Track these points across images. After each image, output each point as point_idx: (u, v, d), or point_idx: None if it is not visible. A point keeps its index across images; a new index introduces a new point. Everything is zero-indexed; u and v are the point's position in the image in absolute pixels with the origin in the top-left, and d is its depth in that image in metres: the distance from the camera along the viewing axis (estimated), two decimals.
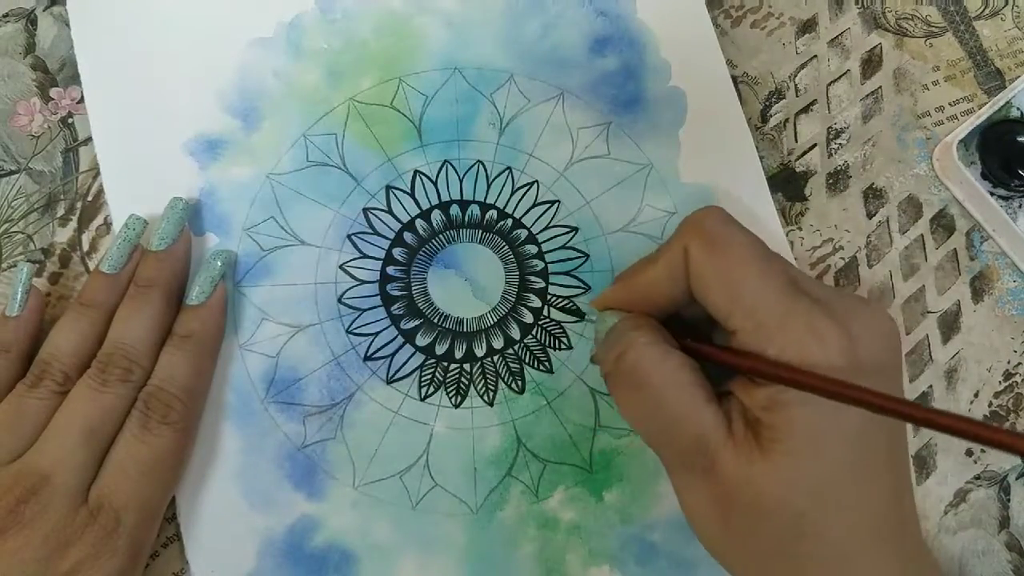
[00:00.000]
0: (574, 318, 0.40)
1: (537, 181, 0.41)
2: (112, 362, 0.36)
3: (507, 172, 0.41)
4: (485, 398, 0.39)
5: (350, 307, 0.40)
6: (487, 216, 0.41)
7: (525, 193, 0.41)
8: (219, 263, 0.39)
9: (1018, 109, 0.41)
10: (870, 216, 0.42)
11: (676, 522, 0.38)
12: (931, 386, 0.40)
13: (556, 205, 0.41)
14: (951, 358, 0.40)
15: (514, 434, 0.39)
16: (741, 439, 0.29)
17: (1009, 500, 0.39)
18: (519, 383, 0.39)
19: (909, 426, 0.38)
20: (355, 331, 0.40)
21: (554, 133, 0.41)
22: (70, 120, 0.44)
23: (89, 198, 0.43)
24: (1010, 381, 0.40)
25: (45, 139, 0.44)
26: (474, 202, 0.41)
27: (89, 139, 0.43)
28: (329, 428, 0.39)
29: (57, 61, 0.45)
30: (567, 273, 0.40)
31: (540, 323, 0.40)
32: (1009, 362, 0.40)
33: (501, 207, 0.41)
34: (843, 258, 0.41)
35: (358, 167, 0.41)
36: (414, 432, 0.39)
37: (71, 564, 0.33)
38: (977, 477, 0.39)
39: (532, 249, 0.40)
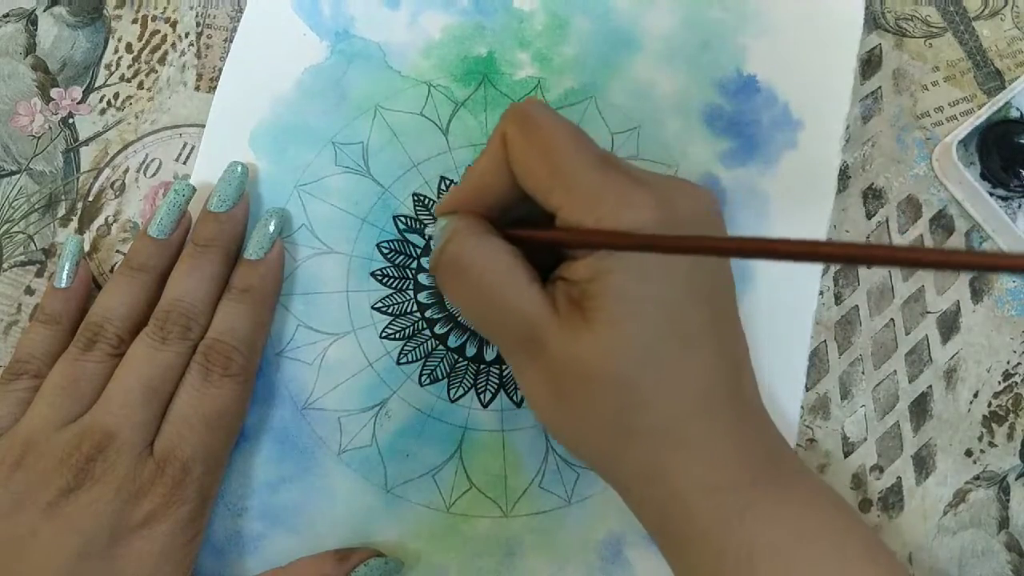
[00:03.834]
0: None
1: None
2: (171, 319, 0.37)
3: None
4: (514, 399, 0.39)
5: (382, 313, 0.40)
6: None
7: None
8: (274, 220, 0.40)
9: (1018, 109, 0.41)
10: (869, 216, 0.42)
11: None
12: (930, 386, 0.40)
13: None
14: (950, 358, 0.40)
15: (543, 437, 0.39)
16: (566, 315, 0.30)
17: (1008, 500, 0.39)
18: None
19: (907, 424, 0.39)
20: (388, 336, 0.40)
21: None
22: (71, 120, 0.44)
23: (90, 198, 0.43)
24: (1009, 381, 0.40)
25: (46, 139, 0.44)
26: None
27: (90, 139, 0.43)
28: (365, 434, 0.39)
29: (57, 61, 0.45)
30: None
31: None
32: (1008, 362, 0.40)
33: None
34: None
35: (384, 174, 0.41)
36: (447, 434, 0.39)
37: (144, 513, 0.34)
38: (976, 477, 0.39)
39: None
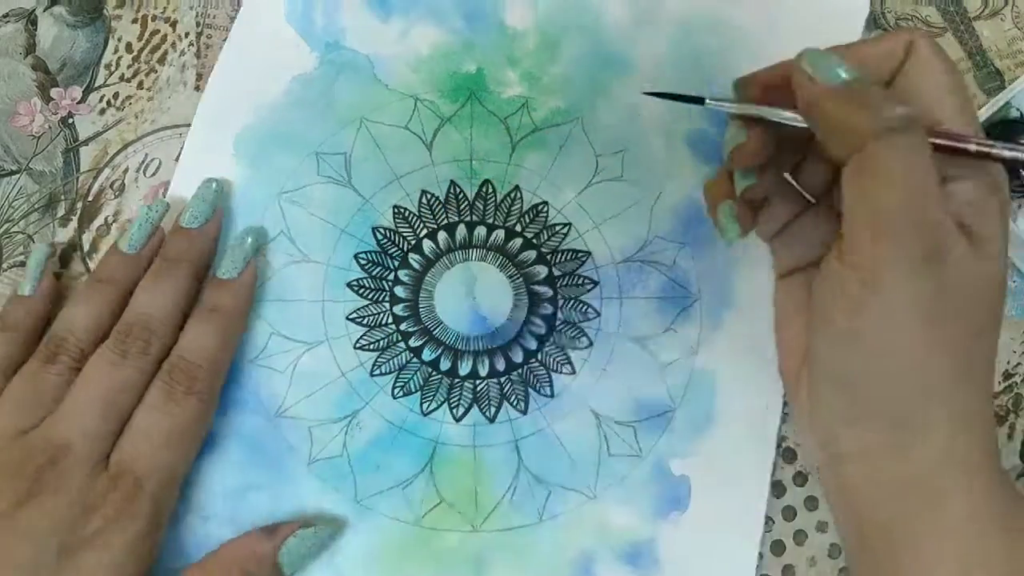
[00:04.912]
0: (582, 345, 0.40)
1: (547, 202, 0.41)
2: (133, 333, 0.36)
3: (516, 192, 0.42)
4: (487, 414, 0.39)
5: (357, 324, 0.40)
6: (493, 236, 0.41)
7: (535, 215, 0.41)
8: (250, 239, 0.39)
9: (1017, 109, 0.41)
10: None
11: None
12: None
13: (567, 227, 0.41)
14: None
15: (516, 454, 0.39)
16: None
17: None
18: (523, 404, 0.39)
19: None
20: (362, 347, 0.40)
21: (570, 155, 0.42)
22: (70, 120, 0.44)
23: (90, 198, 0.43)
24: (1009, 381, 0.40)
25: (45, 139, 0.43)
26: (482, 223, 0.41)
27: (90, 139, 0.43)
28: (336, 444, 0.39)
29: (57, 61, 0.45)
30: (576, 299, 0.40)
31: (545, 349, 0.40)
32: (1008, 362, 0.40)
33: (510, 227, 0.41)
34: None
35: (366, 185, 0.41)
36: (418, 447, 0.39)
37: (95, 527, 0.33)
38: None
39: (542, 271, 0.41)
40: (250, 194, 0.41)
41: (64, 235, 0.42)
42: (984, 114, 0.41)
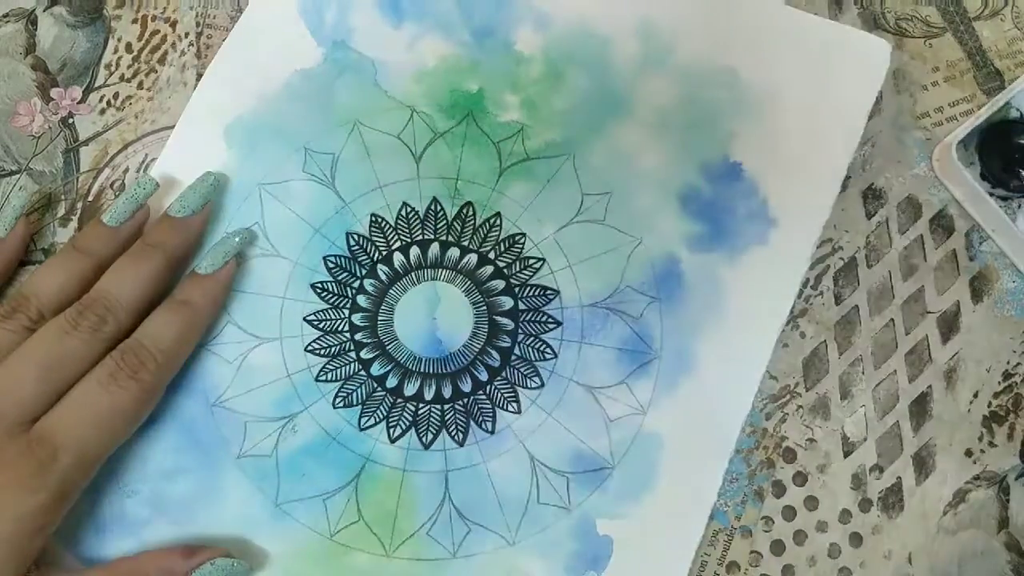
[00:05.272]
0: (533, 385, 0.39)
1: (526, 234, 0.41)
2: (90, 308, 0.36)
3: (496, 219, 0.41)
4: (423, 440, 0.38)
5: (313, 327, 0.40)
6: (465, 260, 0.40)
7: (510, 244, 0.40)
8: (237, 240, 0.39)
9: (1017, 110, 0.41)
10: (869, 216, 0.42)
11: None
12: (930, 386, 0.40)
13: (541, 263, 0.40)
14: (950, 358, 0.40)
15: (444, 485, 0.38)
16: None
17: (1008, 500, 0.39)
18: (461, 436, 0.39)
19: (907, 424, 0.39)
20: (313, 351, 0.39)
21: (556, 190, 0.41)
22: (70, 120, 0.44)
23: (90, 198, 0.43)
24: (1009, 381, 0.40)
25: (45, 139, 0.44)
26: (457, 244, 0.41)
27: (90, 139, 0.44)
28: (267, 444, 0.38)
29: (57, 61, 0.45)
30: (536, 336, 0.40)
31: (495, 383, 0.39)
32: (1008, 362, 0.40)
33: (483, 253, 0.40)
34: (842, 258, 0.41)
35: (348, 189, 0.41)
36: (348, 461, 0.38)
37: None
38: (976, 477, 0.39)
39: (507, 302, 0.40)
40: (233, 181, 0.41)
41: (64, 235, 0.42)
42: (984, 114, 0.40)
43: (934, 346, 0.40)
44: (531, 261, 0.40)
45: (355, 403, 0.39)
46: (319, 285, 0.40)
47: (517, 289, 0.40)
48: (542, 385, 0.39)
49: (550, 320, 0.40)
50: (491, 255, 0.40)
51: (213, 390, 0.39)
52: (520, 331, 0.40)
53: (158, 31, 0.45)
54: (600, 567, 0.37)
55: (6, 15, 0.46)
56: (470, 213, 0.41)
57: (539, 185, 0.41)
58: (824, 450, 0.39)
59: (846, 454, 0.39)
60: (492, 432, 0.39)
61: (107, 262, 0.38)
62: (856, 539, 0.38)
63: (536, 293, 0.40)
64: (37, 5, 0.46)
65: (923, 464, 0.39)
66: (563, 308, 0.40)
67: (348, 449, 0.38)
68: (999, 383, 0.40)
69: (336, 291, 0.40)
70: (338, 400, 0.39)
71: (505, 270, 0.40)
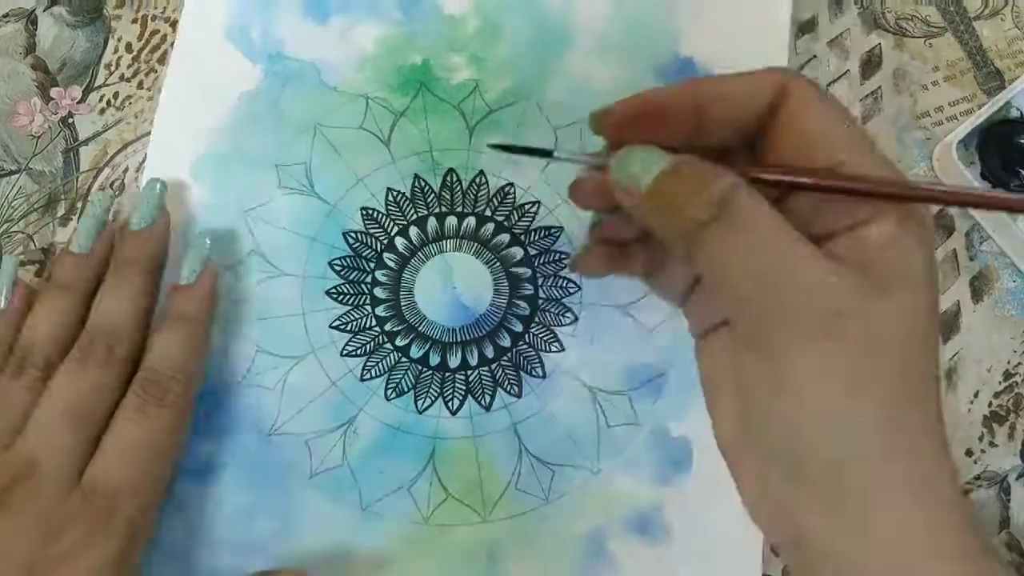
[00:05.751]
0: (567, 321, 0.40)
1: (513, 183, 0.41)
2: (95, 341, 0.36)
3: (481, 177, 0.41)
4: (482, 403, 0.39)
5: (341, 331, 0.40)
6: (465, 224, 0.41)
7: (503, 198, 0.41)
8: (207, 240, 0.39)
9: (1018, 109, 0.41)
10: None
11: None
12: None
13: (536, 206, 0.41)
14: (951, 358, 0.40)
15: (516, 439, 0.39)
16: (861, 283, 0.25)
17: (1009, 500, 0.39)
18: (516, 388, 0.39)
19: None
20: (349, 354, 0.40)
21: (528, 133, 0.42)
22: (70, 120, 0.44)
23: (89, 198, 0.42)
24: (1010, 381, 0.40)
25: (45, 139, 0.43)
26: (452, 212, 0.41)
27: (89, 139, 0.43)
28: (335, 454, 0.38)
29: (57, 61, 0.45)
30: (555, 275, 0.40)
31: (531, 330, 0.40)
32: (1009, 362, 0.40)
33: (480, 213, 0.41)
34: None
35: (330, 191, 0.41)
36: (418, 445, 0.39)
37: (65, 547, 0.32)
38: (977, 477, 0.39)
39: (518, 253, 0.40)
40: (215, 217, 0.41)
41: (64, 235, 0.42)
42: (984, 114, 0.41)
43: None
44: (527, 207, 0.41)
45: (406, 389, 0.39)
46: (333, 290, 0.40)
47: (523, 237, 0.41)
48: (575, 319, 0.40)
49: (564, 255, 0.40)
50: (487, 213, 0.41)
51: (265, 421, 0.39)
52: (539, 275, 0.40)
53: (158, 31, 0.44)
54: (686, 468, 0.38)
55: (6, 15, 0.45)
56: (455, 180, 0.41)
57: (510, 133, 0.42)
58: None
59: None
60: (544, 376, 0.39)
61: (90, 289, 0.38)
62: None
63: (542, 236, 0.41)
64: (37, 5, 0.45)
65: None
66: (572, 241, 0.41)
67: (414, 434, 0.39)
68: (999, 383, 0.40)
69: (352, 291, 0.40)
70: (389, 392, 0.39)
71: (505, 223, 0.41)
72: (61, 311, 0.37)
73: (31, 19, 0.45)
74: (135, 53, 0.44)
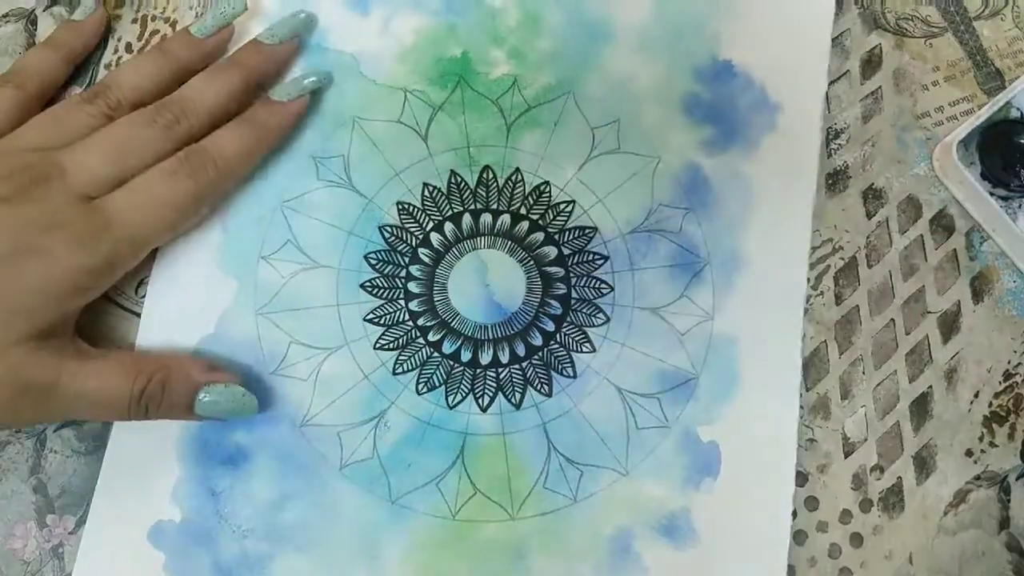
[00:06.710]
0: (599, 322, 0.40)
1: (549, 182, 0.41)
2: (168, 107, 0.39)
3: (516, 174, 0.41)
4: (512, 400, 0.39)
5: (375, 324, 0.40)
6: (499, 222, 0.41)
7: (538, 196, 0.41)
8: (313, 76, 0.41)
9: (1018, 109, 0.41)
10: (869, 216, 0.42)
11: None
12: (931, 386, 0.40)
13: (571, 205, 0.41)
14: (951, 358, 0.40)
15: (545, 437, 0.39)
16: None
17: (1009, 500, 0.39)
18: (547, 388, 0.39)
19: (908, 424, 0.39)
20: (382, 347, 0.40)
21: (565, 131, 0.42)
22: None
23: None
24: (1010, 381, 0.40)
25: None
26: (487, 210, 0.41)
27: None
28: (366, 446, 0.39)
29: None
30: (588, 275, 0.40)
31: (563, 329, 0.40)
32: (1009, 362, 0.40)
33: (515, 211, 0.41)
34: (843, 258, 0.41)
35: (367, 185, 0.41)
36: (448, 441, 0.39)
37: (51, 241, 0.35)
38: (977, 477, 0.39)
39: (551, 252, 0.41)
40: (251, 207, 0.41)
41: None
42: (984, 114, 0.40)
43: (935, 346, 0.40)
44: (562, 206, 0.41)
45: (438, 384, 0.39)
46: (368, 284, 0.40)
47: (557, 236, 0.41)
48: (608, 320, 0.40)
49: (597, 256, 0.40)
50: (522, 211, 0.41)
51: (297, 412, 0.39)
52: (572, 274, 0.40)
53: (158, 31, 0.45)
54: (714, 472, 0.38)
55: (6, 15, 0.45)
56: (491, 176, 0.41)
57: (548, 131, 0.42)
58: (825, 450, 0.39)
59: (847, 454, 0.39)
60: (575, 376, 0.39)
61: (188, 70, 0.40)
62: (857, 539, 0.38)
63: (576, 235, 0.41)
64: (37, 5, 0.45)
65: (924, 464, 0.39)
66: (605, 242, 0.41)
67: (444, 429, 0.39)
68: (1000, 383, 0.40)
69: (386, 284, 0.40)
70: (421, 386, 0.39)
71: (540, 221, 0.41)
72: (152, 70, 0.40)
73: (31, 19, 0.45)
74: (135, 53, 0.44)
